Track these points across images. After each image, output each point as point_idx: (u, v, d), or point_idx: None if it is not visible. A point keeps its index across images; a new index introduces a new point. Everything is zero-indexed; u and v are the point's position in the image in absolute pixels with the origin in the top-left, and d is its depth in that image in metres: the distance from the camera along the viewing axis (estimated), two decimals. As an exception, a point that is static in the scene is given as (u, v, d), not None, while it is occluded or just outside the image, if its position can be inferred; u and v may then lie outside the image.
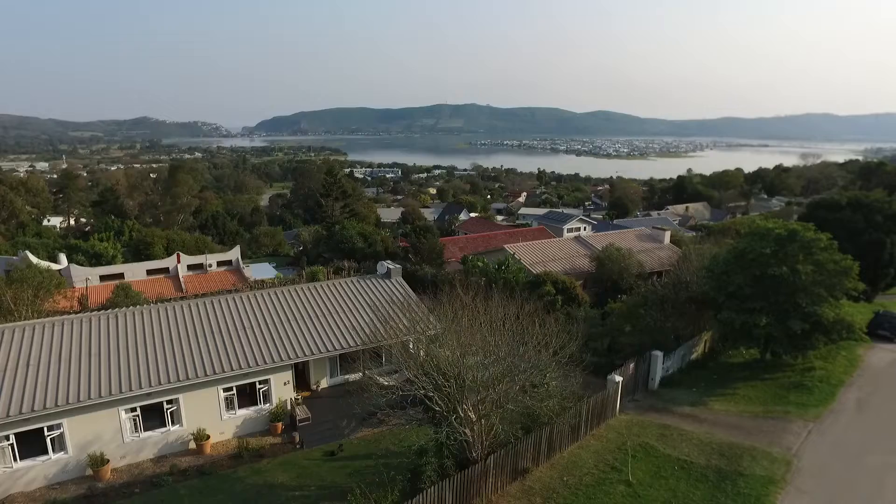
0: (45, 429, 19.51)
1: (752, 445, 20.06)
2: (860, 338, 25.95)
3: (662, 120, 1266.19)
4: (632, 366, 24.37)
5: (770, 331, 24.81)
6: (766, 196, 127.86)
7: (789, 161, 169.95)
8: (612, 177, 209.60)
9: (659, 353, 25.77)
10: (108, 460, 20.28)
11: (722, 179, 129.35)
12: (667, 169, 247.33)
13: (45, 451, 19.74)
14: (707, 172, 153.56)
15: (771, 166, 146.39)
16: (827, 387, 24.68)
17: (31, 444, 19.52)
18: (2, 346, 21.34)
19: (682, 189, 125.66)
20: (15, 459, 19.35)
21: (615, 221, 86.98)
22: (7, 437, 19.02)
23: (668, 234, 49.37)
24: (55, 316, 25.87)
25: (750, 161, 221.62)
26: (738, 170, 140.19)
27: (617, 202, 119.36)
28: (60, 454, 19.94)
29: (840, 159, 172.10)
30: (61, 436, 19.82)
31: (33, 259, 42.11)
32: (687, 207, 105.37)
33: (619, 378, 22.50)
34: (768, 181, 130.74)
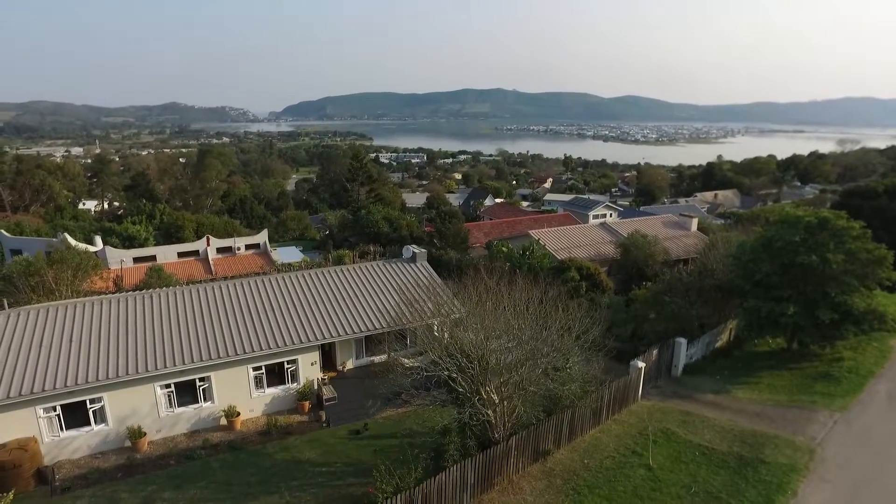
0: (88, 402, 20.49)
1: (774, 434, 19.99)
2: (893, 329, 25.42)
3: (692, 105, 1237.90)
4: (655, 352, 24.38)
5: (797, 320, 24.49)
6: (799, 184, 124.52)
7: (825, 147, 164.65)
8: (639, 163, 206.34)
9: (683, 340, 25.70)
10: (145, 433, 21.21)
11: (753, 166, 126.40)
12: (696, 155, 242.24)
13: (88, 423, 20.77)
14: (738, 159, 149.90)
15: (805, 153, 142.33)
16: (856, 377, 24.28)
17: (75, 416, 20.56)
18: (46, 323, 22.41)
19: (711, 176, 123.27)
20: (62, 429, 20.44)
21: (642, 208, 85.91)
22: (54, 409, 20.08)
23: (695, 222, 48.73)
24: (93, 296, 26.88)
25: (783, 147, 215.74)
26: (771, 156, 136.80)
27: (644, 189, 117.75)
28: (102, 426, 20.94)
29: (881, 145, 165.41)
30: (102, 409, 20.79)
31: (71, 241, 43.60)
32: (716, 195, 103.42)
33: (641, 364, 22.56)
34: (802, 168, 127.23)
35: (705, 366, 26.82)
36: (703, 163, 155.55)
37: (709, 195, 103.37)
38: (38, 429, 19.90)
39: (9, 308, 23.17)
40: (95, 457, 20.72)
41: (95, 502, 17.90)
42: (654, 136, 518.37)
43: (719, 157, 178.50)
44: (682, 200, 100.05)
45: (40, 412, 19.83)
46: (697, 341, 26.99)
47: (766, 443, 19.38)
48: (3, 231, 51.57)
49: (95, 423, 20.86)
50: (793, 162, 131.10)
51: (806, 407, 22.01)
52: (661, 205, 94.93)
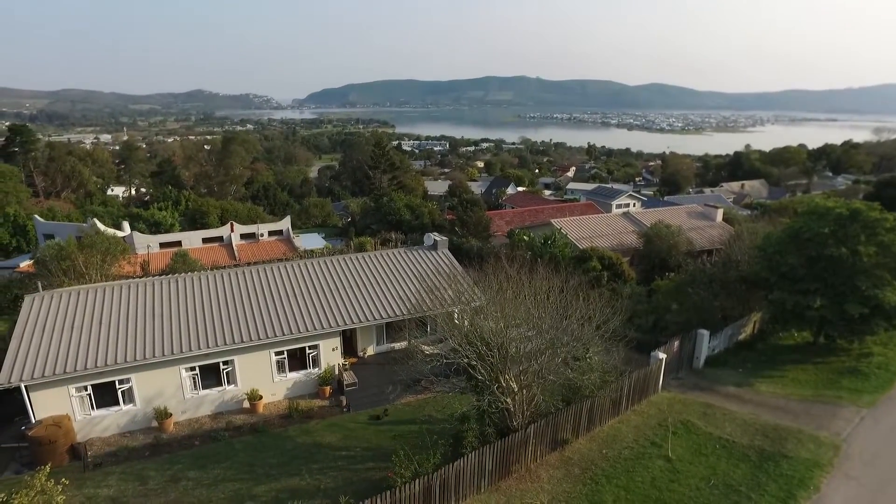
0: (117, 382, 21.10)
1: (798, 428, 19.68)
2: (927, 324, 24.74)
3: (720, 93, 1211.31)
4: (676, 343, 24.14)
5: (824, 313, 23.96)
6: (830, 174, 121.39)
7: (860, 136, 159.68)
8: (664, 152, 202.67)
9: (705, 332, 25.38)
10: (171, 414, 21.77)
11: (782, 156, 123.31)
12: (723, 144, 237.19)
13: (117, 403, 21.41)
14: (766, 148, 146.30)
15: (839, 142, 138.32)
16: (885, 374, 23.73)
17: (105, 396, 21.22)
18: (77, 306, 23.06)
19: (738, 165, 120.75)
20: (93, 408, 21.13)
21: (666, 198, 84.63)
22: (85, 388, 20.74)
23: (720, 212, 47.91)
24: (121, 280, 27.53)
25: (815, 136, 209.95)
26: (801, 146, 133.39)
27: (669, 178, 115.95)
28: (130, 406, 21.57)
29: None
30: (130, 389, 21.39)
31: (100, 226, 44.67)
32: (742, 185, 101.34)
33: (662, 355, 22.37)
34: (834, 158, 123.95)
35: (728, 358, 26.47)
36: (730, 152, 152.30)
37: (735, 185, 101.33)
38: (71, 407, 20.58)
39: (42, 290, 23.91)
40: (124, 435, 21.37)
41: (125, 479, 18.47)
42: (679, 124, 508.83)
43: (747, 146, 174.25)
44: (707, 190, 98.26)
45: (73, 391, 20.50)
46: (720, 333, 26.63)
47: (789, 437, 19.12)
48: (37, 216, 53.06)
49: (124, 403, 21.49)
50: (825, 151, 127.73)
51: (831, 402, 21.62)
52: (685, 195, 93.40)
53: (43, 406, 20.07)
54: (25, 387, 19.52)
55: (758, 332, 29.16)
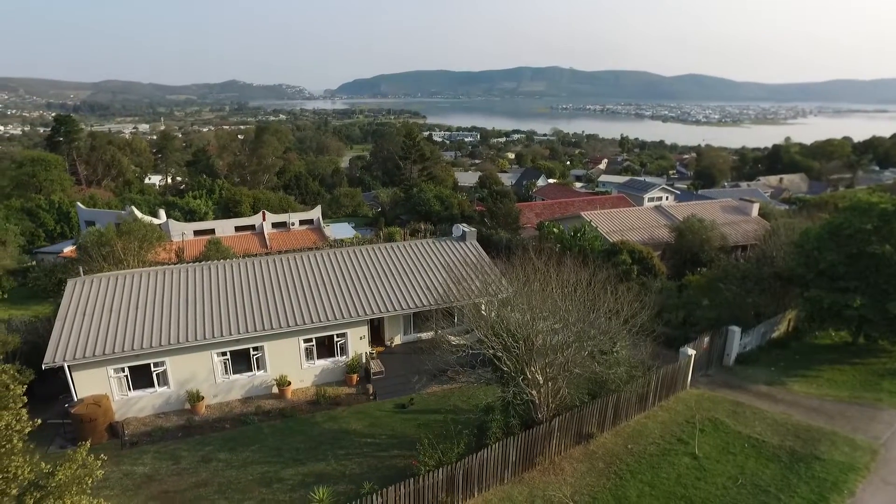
0: (152, 365, 21.81)
1: (832, 430, 19.14)
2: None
3: (759, 84, 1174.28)
4: (706, 340, 23.70)
5: (864, 312, 23.15)
6: (877, 168, 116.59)
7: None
8: (699, 145, 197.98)
9: (737, 329, 24.84)
10: (203, 397, 22.42)
11: (825, 149, 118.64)
12: (762, 137, 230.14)
13: (152, 385, 22.15)
14: (808, 141, 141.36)
15: (887, 134, 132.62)
16: (929, 376, 22.93)
17: (141, 378, 21.98)
18: (115, 290, 23.87)
19: (776, 159, 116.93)
20: (129, 389, 21.92)
21: (700, 192, 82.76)
22: (123, 370, 21.51)
23: (756, 207, 46.62)
24: (157, 266, 28.34)
25: (861, 129, 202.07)
26: (846, 138, 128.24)
27: (703, 172, 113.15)
28: (164, 388, 22.28)
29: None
30: (165, 372, 22.09)
31: (138, 214, 46.01)
32: (781, 179, 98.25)
33: (691, 351, 22.00)
34: (882, 151, 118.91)
35: (760, 356, 25.86)
36: (769, 145, 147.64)
37: (773, 179, 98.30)
38: (110, 387, 21.38)
39: (84, 275, 24.81)
40: (159, 416, 22.12)
41: (159, 458, 19.16)
42: (716, 116, 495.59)
43: (787, 138, 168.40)
44: (743, 184, 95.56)
45: (111, 372, 21.28)
46: (752, 331, 26.02)
47: (823, 439, 18.62)
48: (79, 204, 55.02)
49: (159, 385, 22.21)
50: (871, 144, 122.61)
51: (870, 405, 20.95)
52: (720, 189, 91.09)
53: (84, 385, 20.91)
54: (68, 367, 20.37)
55: (792, 331, 28.39)
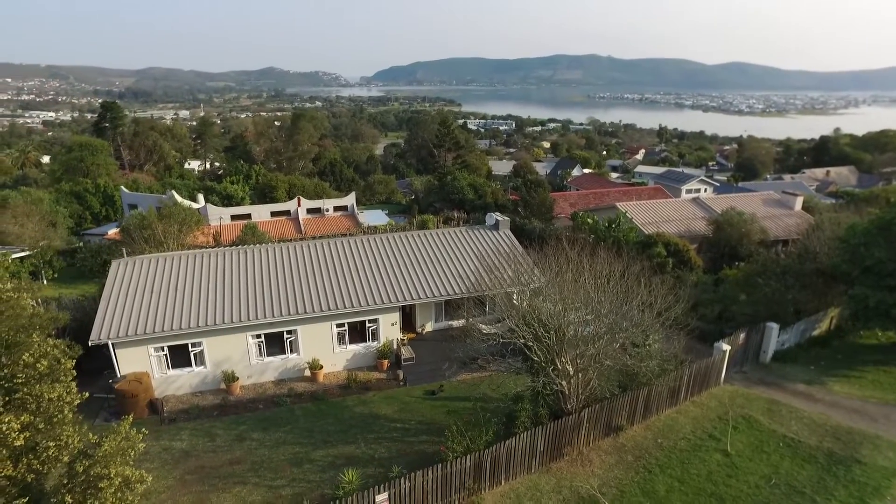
0: (190, 345, 22.51)
1: (875, 434, 18.51)
2: None
3: (808, 72, 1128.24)
4: (742, 335, 23.13)
5: (913, 312, 22.28)
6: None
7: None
8: (741, 136, 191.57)
9: (774, 326, 24.16)
10: (238, 378, 23.03)
11: (878, 141, 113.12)
12: (808, 128, 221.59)
13: (190, 364, 22.87)
14: (859, 132, 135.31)
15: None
16: (981, 380, 21.93)
17: (179, 357, 22.71)
18: (156, 272, 24.67)
19: (823, 151, 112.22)
20: (168, 367, 22.68)
21: (740, 184, 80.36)
22: (162, 349, 22.27)
23: (799, 200, 45.02)
24: (195, 249, 29.13)
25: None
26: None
27: (744, 163, 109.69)
28: (201, 368, 22.99)
29: None
30: (202, 353, 22.78)
31: (178, 198, 47.28)
32: (828, 172, 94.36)
33: (726, 347, 21.52)
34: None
35: (798, 354, 25.12)
36: (816, 136, 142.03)
37: (819, 172, 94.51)
38: (150, 365, 22.18)
39: (126, 257, 25.71)
40: (196, 395, 22.86)
41: (196, 434, 19.84)
42: (760, 106, 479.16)
43: (836, 129, 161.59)
44: (787, 177, 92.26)
45: (151, 351, 22.07)
46: (791, 328, 25.27)
47: (864, 442, 18.03)
48: (123, 188, 56.92)
49: (196, 365, 22.93)
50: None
51: (915, 408, 20.20)
52: (762, 181, 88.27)
53: (127, 363, 21.75)
54: (112, 344, 21.21)
55: (835, 329, 27.46)
